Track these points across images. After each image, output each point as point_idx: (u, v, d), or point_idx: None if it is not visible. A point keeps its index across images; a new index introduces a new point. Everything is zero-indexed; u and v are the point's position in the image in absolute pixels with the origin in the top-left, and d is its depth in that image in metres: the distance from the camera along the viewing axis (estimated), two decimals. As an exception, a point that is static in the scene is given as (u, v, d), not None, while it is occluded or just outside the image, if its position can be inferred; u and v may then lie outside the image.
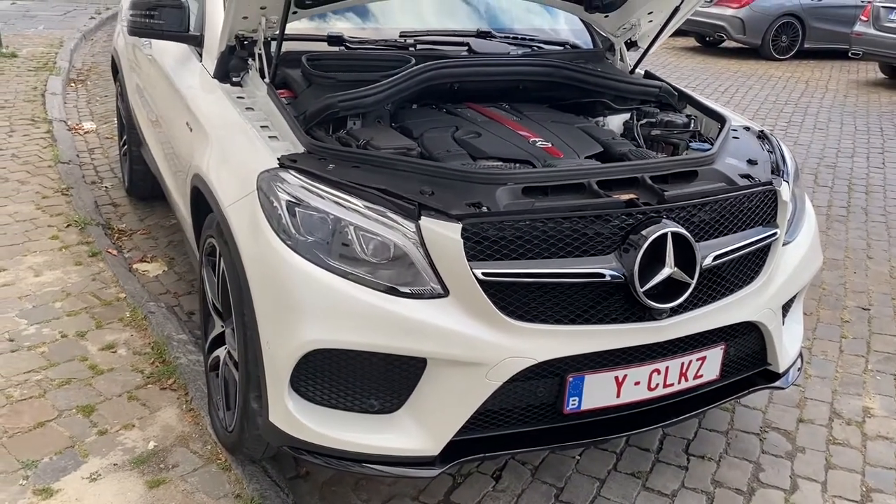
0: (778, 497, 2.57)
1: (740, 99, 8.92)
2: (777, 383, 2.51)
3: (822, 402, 3.09)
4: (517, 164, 2.36)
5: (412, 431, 2.04)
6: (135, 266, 3.96)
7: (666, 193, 2.15)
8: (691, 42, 13.23)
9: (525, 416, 2.12)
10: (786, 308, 2.52)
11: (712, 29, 12.19)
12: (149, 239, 4.33)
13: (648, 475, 2.63)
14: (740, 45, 12.29)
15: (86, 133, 6.29)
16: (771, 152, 2.62)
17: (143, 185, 4.63)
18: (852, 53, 10.47)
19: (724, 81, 9.96)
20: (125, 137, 4.79)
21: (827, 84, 10.12)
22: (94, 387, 2.85)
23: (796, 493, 2.60)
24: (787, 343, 2.52)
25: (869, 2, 10.70)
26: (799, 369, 2.64)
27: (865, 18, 10.29)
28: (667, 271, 2.06)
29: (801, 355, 2.67)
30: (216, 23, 2.91)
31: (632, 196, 2.13)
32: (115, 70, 4.94)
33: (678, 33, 3.26)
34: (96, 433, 2.60)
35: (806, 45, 12.06)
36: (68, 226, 4.24)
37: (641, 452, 2.72)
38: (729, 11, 11.86)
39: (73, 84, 8.03)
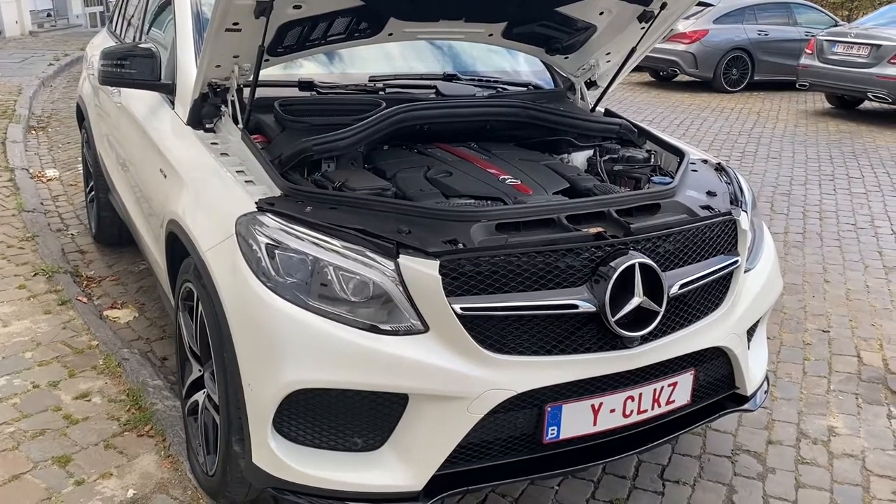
0: (752, 518, 2.64)
1: (695, 131, 9.19)
2: (746, 406, 2.58)
3: (790, 424, 3.19)
4: (489, 202, 2.43)
5: (396, 467, 2.07)
6: (105, 313, 3.93)
7: (632, 226, 2.23)
8: (646, 77, 13.62)
9: (506, 447, 2.16)
10: (750, 333, 2.61)
11: (666, 64, 12.60)
12: (118, 285, 4.30)
13: (626, 502, 2.67)
14: (693, 78, 12.69)
15: (49, 180, 6.24)
16: (729, 183, 2.74)
17: (111, 232, 4.62)
18: (799, 85, 10.92)
19: (679, 114, 10.25)
20: (91, 184, 4.77)
21: (777, 115, 10.48)
22: (69, 437, 2.82)
23: (769, 513, 2.67)
24: (753, 367, 2.61)
25: (813, 35, 11.17)
26: (766, 392, 2.73)
27: (810, 51, 10.72)
28: (636, 300, 2.14)
29: (767, 378, 2.76)
30: (188, 71, 2.96)
31: (599, 229, 2.21)
32: (81, 117, 4.93)
33: (633, 69, 3.40)
34: (73, 483, 2.57)
35: (756, 78, 12.52)
36: (35, 274, 4.20)
37: (618, 480, 2.77)
38: (681, 47, 12.26)
39: (33, 131, 7.97)
